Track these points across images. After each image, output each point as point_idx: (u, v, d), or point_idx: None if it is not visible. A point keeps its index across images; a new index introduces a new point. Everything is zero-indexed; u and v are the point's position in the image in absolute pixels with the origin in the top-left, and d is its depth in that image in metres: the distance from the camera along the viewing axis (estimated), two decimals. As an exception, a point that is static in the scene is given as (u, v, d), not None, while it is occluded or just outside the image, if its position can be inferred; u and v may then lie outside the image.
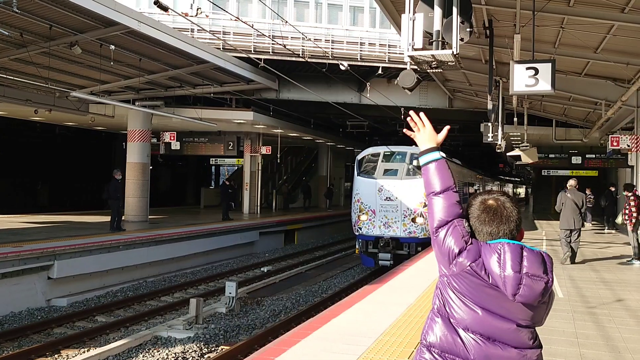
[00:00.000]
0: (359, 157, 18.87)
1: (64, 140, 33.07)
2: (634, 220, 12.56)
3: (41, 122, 26.63)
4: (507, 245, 2.21)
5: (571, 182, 13.03)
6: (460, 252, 2.23)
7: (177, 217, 24.69)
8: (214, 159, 36.26)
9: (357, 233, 17.66)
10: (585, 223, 13.48)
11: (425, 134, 2.51)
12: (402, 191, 17.09)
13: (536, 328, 2.30)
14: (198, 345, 10.06)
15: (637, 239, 12.68)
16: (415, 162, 18.08)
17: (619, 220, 13.53)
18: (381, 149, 18.73)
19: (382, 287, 9.30)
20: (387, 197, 17.13)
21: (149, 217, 22.42)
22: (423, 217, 16.78)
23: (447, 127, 2.59)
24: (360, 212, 17.42)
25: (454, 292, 2.26)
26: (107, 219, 18.48)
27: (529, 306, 2.20)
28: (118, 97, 21.33)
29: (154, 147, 24.77)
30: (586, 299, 8.71)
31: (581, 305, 8.28)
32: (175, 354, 9.54)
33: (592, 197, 24.64)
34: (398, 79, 7.90)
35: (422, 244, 16.77)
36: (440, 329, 2.27)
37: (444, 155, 2.48)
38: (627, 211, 12.74)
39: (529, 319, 2.22)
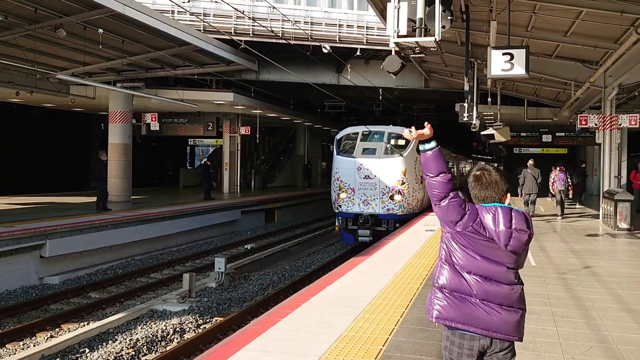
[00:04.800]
0: (338, 136, 19.22)
1: (41, 121, 32.89)
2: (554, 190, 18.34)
3: (18, 104, 26.55)
4: (500, 207, 2.94)
5: (530, 162, 17.97)
6: (462, 217, 2.91)
7: (159, 197, 25.01)
8: (192, 140, 36.39)
9: (336, 211, 18.10)
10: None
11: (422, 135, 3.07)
12: (380, 169, 17.55)
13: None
14: (193, 317, 10.58)
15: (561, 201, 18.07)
16: (393, 141, 18.55)
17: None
18: (360, 129, 19.13)
19: (369, 259, 9.93)
20: (365, 176, 17.54)
21: (131, 197, 22.76)
22: (401, 194, 17.33)
23: (427, 125, 3.12)
24: (339, 190, 17.84)
25: (457, 245, 2.96)
26: (87, 199, 18.78)
27: (516, 253, 2.93)
28: (99, 78, 21.47)
29: (134, 129, 24.91)
30: (557, 267, 9.45)
31: (552, 271, 9.01)
32: (173, 325, 10.05)
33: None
34: (384, 63, 8.43)
35: (400, 221, 17.31)
36: (449, 274, 2.97)
37: (436, 145, 3.04)
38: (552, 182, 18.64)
39: (514, 263, 2.95)
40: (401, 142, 18.46)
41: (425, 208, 19.94)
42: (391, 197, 17.38)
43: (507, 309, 2.89)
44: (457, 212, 2.91)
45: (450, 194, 2.94)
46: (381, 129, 18.93)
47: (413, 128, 3.08)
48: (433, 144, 3.03)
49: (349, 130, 19.37)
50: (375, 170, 17.56)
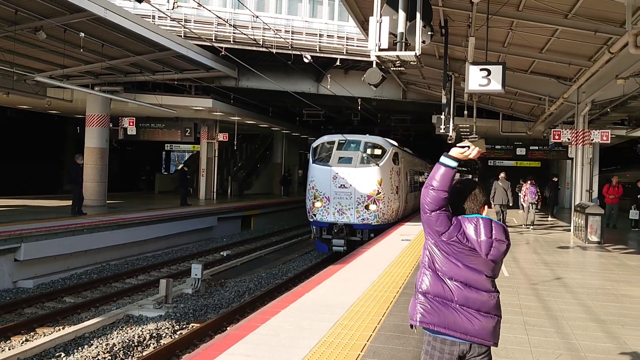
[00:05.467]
0: (314, 144, 19.07)
1: (15, 123, 32.47)
2: (525, 202, 19.52)
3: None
4: (481, 219, 3.12)
5: (502, 175, 19.15)
6: (448, 228, 3.08)
7: (134, 202, 24.88)
8: (168, 145, 36.21)
9: (311, 219, 17.92)
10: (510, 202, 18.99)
11: (461, 150, 3.13)
12: (356, 179, 17.41)
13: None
14: (170, 322, 10.59)
15: (528, 213, 19.30)
16: (369, 151, 18.39)
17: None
18: (336, 137, 18.99)
19: (346, 267, 10.07)
20: (341, 185, 17.36)
21: (107, 201, 22.62)
22: (376, 204, 17.21)
23: (479, 152, 3.19)
24: (314, 199, 17.64)
25: (440, 252, 3.12)
26: (62, 203, 18.60)
27: (495, 262, 3.11)
28: (77, 81, 21.35)
29: (110, 133, 24.75)
30: (529, 277, 9.69)
31: (524, 282, 9.24)
32: (149, 330, 10.05)
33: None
34: (365, 75, 8.58)
35: (375, 231, 17.17)
36: (431, 279, 3.12)
37: (455, 167, 3.07)
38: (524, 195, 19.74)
39: (492, 271, 3.13)
40: (377, 151, 18.35)
41: (401, 218, 19.92)
42: (366, 207, 17.25)
43: (485, 315, 3.05)
44: (445, 225, 3.06)
45: (443, 208, 3.08)
46: (358, 138, 18.83)
47: (471, 145, 3.15)
48: (454, 164, 3.08)
49: (326, 138, 19.22)
50: (350, 180, 17.40)
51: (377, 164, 17.74)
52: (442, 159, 3.10)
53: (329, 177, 17.55)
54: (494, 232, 3.04)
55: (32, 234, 13.78)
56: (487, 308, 3.06)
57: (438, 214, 3.06)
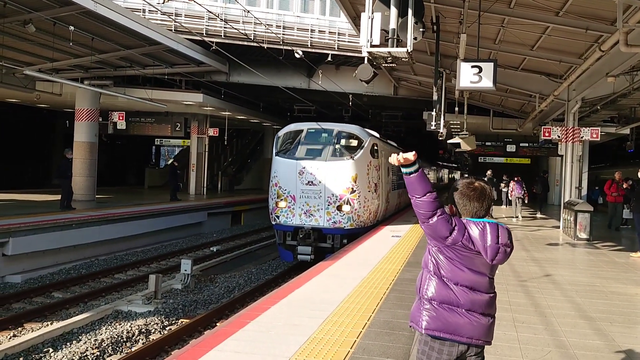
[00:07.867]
0: (279, 133, 16.64)
1: (3, 117, 32.17)
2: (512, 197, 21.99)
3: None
4: (488, 224, 3.07)
5: (488, 173, 22.29)
6: (451, 233, 3.03)
7: (123, 197, 24.76)
8: (158, 140, 36.07)
9: (274, 222, 15.51)
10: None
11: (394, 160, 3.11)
12: (327, 175, 14.98)
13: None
14: (159, 318, 10.55)
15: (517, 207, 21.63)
16: (343, 142, 15.99)
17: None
18: (305, 125, 16.46)
19: (337, 263, 10.06)
20: (309, 182, 14.97)
21: (96, 196, 22.51)
22: (350, 204, 14.96)
23: (413, 152, 3.10)
24: (278, 198, 15.26)
25: (445, 258, 3.10)
26: (50, 197, 18.49)
27: (496, 265, 3.11)
28: (66, 75, 21.18)
29: (100, 127, 24.61)
30: (518, 274, 9.72)
31: (514, 279, 9.27)
32: (138, 326, 10.01)
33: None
34: (356, 72, 8.58)
35: (348, 236, 14.93)
36: (437, 285, 3.10)
37: (420, 166, 3.10)
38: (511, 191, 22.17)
39: (492, 273, 3.15)
40: (352, 142, 15.98)
41: (381, 220, 17.74)
42: (338, 208, 14.88)
43: (486, 316, 3.07)
44: (446, 228, 3.02)
45: (438, 211, 3.03)
46: (330, 127, 16.27)
47: (401, 154, 3.08)
48: (416, 166, 3.06)
49: (292, 126, 16.61)
50: (320, 176, 14.96)
51: (352, 157, 15.26)
52: (403, 170, 3.08)
53: (294, 172, 15.09)
54: (500, 237, 3.02)
55: (20, 229, 13.69)
56: (488, 309, 3.08)
57: (437, 220, 3.03)
